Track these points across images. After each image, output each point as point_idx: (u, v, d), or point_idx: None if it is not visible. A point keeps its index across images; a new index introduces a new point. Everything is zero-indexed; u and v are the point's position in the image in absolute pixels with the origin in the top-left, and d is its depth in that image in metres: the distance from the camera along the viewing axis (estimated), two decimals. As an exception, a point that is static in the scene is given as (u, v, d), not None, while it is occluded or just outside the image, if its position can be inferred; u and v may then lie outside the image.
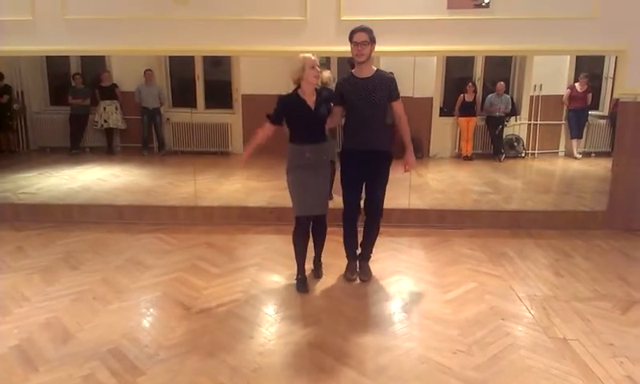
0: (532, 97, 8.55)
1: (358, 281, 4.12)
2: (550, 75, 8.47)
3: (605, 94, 8.63)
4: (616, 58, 5.29)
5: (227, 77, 8.82)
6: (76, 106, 8.47)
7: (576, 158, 8.45)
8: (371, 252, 4.19)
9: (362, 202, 4.09)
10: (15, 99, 8.43)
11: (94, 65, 8.61)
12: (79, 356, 3.04)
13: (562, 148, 8.74)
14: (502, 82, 8.58)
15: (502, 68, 9.00)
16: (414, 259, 4.58)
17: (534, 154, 8.65)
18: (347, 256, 4.21)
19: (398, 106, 3.90)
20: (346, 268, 4.20)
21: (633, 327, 3.41)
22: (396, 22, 4.95)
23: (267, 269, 4.34)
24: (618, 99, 5.34)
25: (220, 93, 8.98)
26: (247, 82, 8.49)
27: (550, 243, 4.94)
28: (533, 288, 3.98)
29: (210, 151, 8.48)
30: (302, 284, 3.94)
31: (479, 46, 5.20)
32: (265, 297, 3.85)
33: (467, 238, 5.04)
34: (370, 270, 4.18)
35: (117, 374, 2.87)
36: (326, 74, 4.36)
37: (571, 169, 8.27)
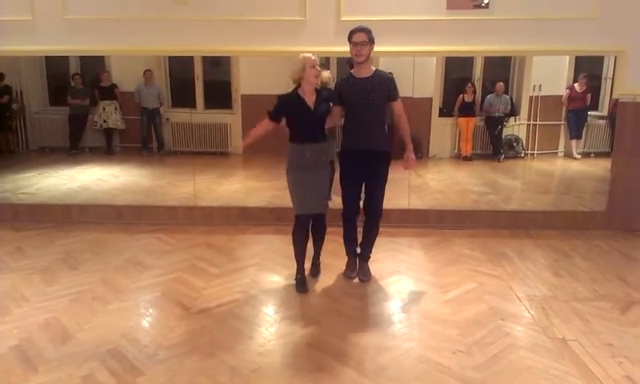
0: (531, 97, 8.55)
1: (357, 280, 4.13)
2: (550, 76, 8.47)
3: (604, 95, 8.65)
4: (615, 58, 5.29)
5: (227, 77, 8.82)
6: (75, 106, 8.47)
7: (575, 159, 8.46)
8: (370, 252, 4.19)
9: (361, 202, 4.10)
10: (15, 99, 8.42)
11: (94, 65, 8.61)
12: (78, 356, 3.04)
13: (561, 148, 8.75)
14: (502, 83, 8.59)
15: (501, 68, 9.01)
16: (414, 259, 4.58)
17: (533, 154, 8.66)
18: (347, 254, 4.23)
19: (397, 106, 3.91)
20: (346, 266, 4.22)
21: (632, 327, 3.41)
22: (395, 22, 4.96)
23: (267, 269, 4.34)
24: (617, 99, 5.34)
25: (219, 93, 8.98)
26: (247, 82, 8.49)
27: (550, 243, 4.94)
28: (532, 288, 3.98)
29: (209, 151, 8.48)
30: (302, 284, 3.94)
31: (478, 46, 5.21)
32: (264, 297, 3.85)
33: (467, 239, 5.04)
34: (369, 270, 4.18)
35: (116, 374, 2.87)
36: (326, 73, 4.37)
37: (570, 169, 8.28)
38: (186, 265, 4.40)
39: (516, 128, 8.71)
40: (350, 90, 3.84)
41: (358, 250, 4.22)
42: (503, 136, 8.67)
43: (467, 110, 8.62)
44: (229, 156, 8.57)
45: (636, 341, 3.24)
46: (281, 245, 4.69)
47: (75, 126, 8.52)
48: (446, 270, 4.33)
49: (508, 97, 8.60)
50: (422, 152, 8.30)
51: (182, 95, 8.85)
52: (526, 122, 8.61)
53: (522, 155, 8.66)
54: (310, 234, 4.01)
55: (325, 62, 7.40)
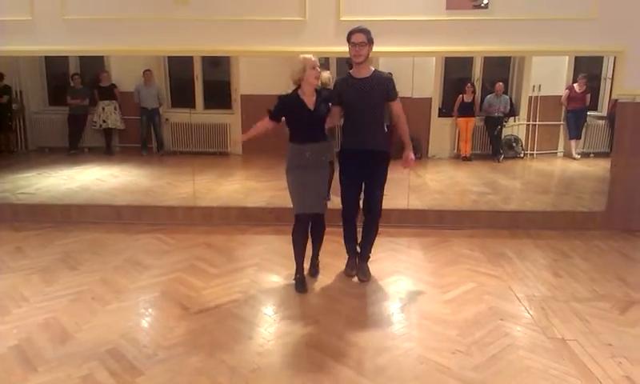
0: (531, 97, 8.55)
1: (357, 280, 4.13)
2: (549, 76, 8.47)
3: (603, 95, 8.64)
4: (614, 58, 5.29)
5: (226, 77, 8.82)
6: (75, 106, 8.46)
7: (575, 159, 8.46)
8: (370, 252, 4.20)
9: (360, 202, 4.11)
10: (14, 99, 8.42)
11: (93, 65, 8.60)
12: (78, 356, 3.03)
13: (560, 148, 8.75)
14: (501, 83, 8.59)
15: (500, 68, 9.00)
16: (413, 259, 4.58)
17: (532, 154, 8.66)
18: (347, 253, 4.25)
19: (396, 106, 3.92)
20: (346, 264, 4.24)
21: (631, 327, 3.41)
22: (395, 22, 4.96)
23: (266, 269, 4.34)
24: (616, 100, 5.34)
25: (219, 93, 8.97)
26: (246, 82, 8.48)
27: (549, 244, 4.95)
28: (531, 288, 3.99)
29: (208, 151, 8.47)
30: (301, 284, 3.94)
31: (478, 46, 5.21)
32: (263, 297, 3.85)
33: (466, 239, 5.04)
34: (368, 270, 4.18)
35: (115, 374, 2.87)
36: (326, 74, 4.37)
37: (570, 169, 8.28)
38: (185, 265, 4.40)
39: (515, 128, 8.71)
40: (349, 90, 3.85)
41: (358, 249, 4.22)
42: (503, 136, 8.67)
43: (467, 110, 8.62)
44: (228, 156, 8.57)
45: (635, 341, 3.24)
46: (280, 245, 4.69)
47: (75, 126, 8.51)
48: (445, 270, 4.33)
49: (507, 97, 8.60)
50: (421, 152, 8.30)
51: (181, 95, 8.83)
52: (526, 122, 8.61)
53: (522, 155, 8.66)
54: (309, 234, 4.01)
55: (324, 63, 7.40)
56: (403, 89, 7.86)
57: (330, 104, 3.87)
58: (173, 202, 5.88)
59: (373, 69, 3.91)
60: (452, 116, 8.74)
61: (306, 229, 3.96)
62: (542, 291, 3.94)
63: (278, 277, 4.18)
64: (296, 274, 4.00)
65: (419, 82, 8.04)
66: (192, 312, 3.59)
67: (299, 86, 3.76)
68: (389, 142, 4.00)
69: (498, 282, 4.10)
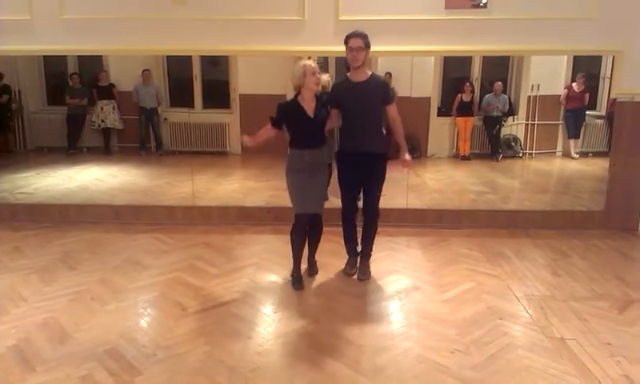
0: (529, 97, 8.55)
1: (356, 278, 4.14)
2: (548, 75, 8.48)
3: (602, 94, 8.65)
4: (613, 58, 5.30)
5: (225, 77, 8.80)
6: (73, 105, 8.44)
7: (573, 158, 8.46)
8: (371, 250, 4.23)
9: (360, 203, 4.14)
10: (13, 99, 8.40)
11: (92, 64, 8.58)
12: (77, 356, 3.03)
13: (559, 148, 8.75)
14: (500, 82, 8.59)
15: (499, 68, 9.00)
16: (412, 259, 4.58)
17: (531, 153, 8.66)
18: (347, 253, 4.27)
19: (392, 110, 3.95)
20: (346, 263, 4.25)
21: (630, 326, 3.42)
22: (394, 21, 4.96)
23: (265, 269, 4.34)
24: (615, 99, 5.34)
25: (218, 93, 8.96)
26: (245, 81, 8.47)
27: (548, 243, 4.95)
28: (530, 288, 3.99)
29: (207, 151, 8.46)
30: (298, 281, 3.98)
31: (477, 46, 5.21)
32: (263, 297, 3.85)
33: (465, 238, 5.05)
34: (369, 269, 4.20)
35: (114, 374, 2.87)
36: (325, 77, 4.39)
37: (568, 169, 8.28)
38: (184, 265, 4.40)
39: (514, 127, 8.72)
40: (347, 93, 3.89)
41: (359, 249, 4.25)
42: (501, 135, 8.67)
43: (465, 110, 8.62)
44: (227, 156, 8.56)
45: (634, 340, 3.25)
46: (279, 245, 4.69)
47: (73, 126, 8.49)
48: (444, 270, 4.33)
49: (506, 96, 8.60)
50: (420, 152, 8.31)
51: (180, 95, 8.82)
52: (524, 121, 8.61)
53: (520, 155, 8.66)
54: (307, 236, 4.05)
55: (323, 63, 7.40)
56: (402, 88, 7.89)
57: (329, 107, 3.90)
58: (172, 202, 5.88)
59: (370, 72, 3.95)
60: (451, 115, 8.73)
61: (305, 229, 3.99)
62: (541, 290, 3.94)
63: (276, 276, 4.18)
64: (293, 273, 4.04)
65: (418, 81, 8.04)
66: (191, 312, 3.59)
67: (299, 92, 3.79)
68: (387, 144, 4.02)
69: (497, 282, 4.10)
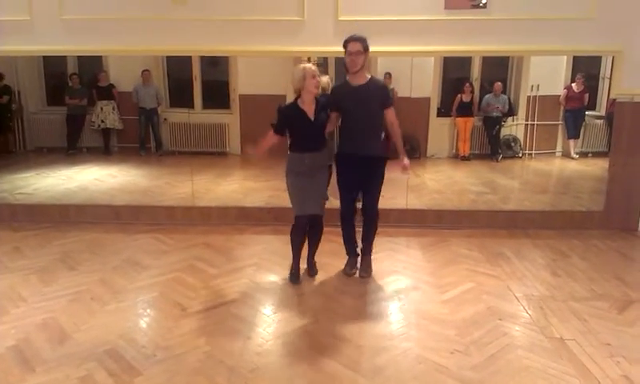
0: (529, 97, 8.56)
1: (357, 276, 4.17)
2: (547, 75, 8.48)
3: (602, 95, 8.67)
4: (613, 58, 5.30)
5: (225, 77, 8.81)
6: (73, 106, 8.45)
7: (573, 158, 8.47)
8: (372, 246, 4.25)
9: (359, 204, 4.17)
10: (13, 99, 8.40)
11: (91, 65, 8.59)
12: (76, 356, 3.03)
13: (559, 148, 8.76)
14: (500, 83, 8.60)
15: (499, 68, 9.01)
16: (412, 259, 4.58)
17: (531, 154, 8.67)
18: (347, 253, 4.28)
19: (390, 114, 3.97)
20: (346, 263, 4.26)
21: (630, 327, 3.42)
22: (393, 22, 4.96)
23: (265, 269, 4.34)
24: (614, 99, 5.34)
25: (217, 93, 8.97)
26: (245, 82, 8.48)
27: (548, 243, 4.95)
28: (530, 288, 3.99)
29: (207, 151, 8.47)
30: (295, 277, 4.05)
31: (476, 46, 5.21)
32: (262, 297, 3.85)
33: (464, 238, 5.05)
34: (370, 266, 4.22)
35: (114, 374, 2.87)
36: (325, 79, 4.40)
37: (568, 169, 8.29)
38: (184, 265, 4.40)
39: (514, 128, 8.72)
40: (346, 97, 3.91)
41: (358, 250, 4.26)
42: (501, 136, 8.68)
43: (465, 110, 8.62)
44: (227, 156, 8.57)
45: (633, 340, 3.24)
46: (279, 245, 4.69)
47: (73, 126, 8.50)
48: (443, 270, 4.33)
49: (506, 97, 8.61)
50: (419, 152, 8.32)
51: (179, 95, 8.82)
52: (524, 121, 8.62)
53: (520, 155, 8.66)
54: (307, 235, 4.07)
55: (323, 63, 7.40)
56: (402, 89, 7.91)
57: (329, 110, 3.91)
58: (171, 202, 5.88)
59: (369, 76, 3.97)
60: (450, 116, 8.74)
61: (304, 230, 4.01)
62: (541, 291, 3.94)
63: (276, 277, 4.18)
64: (292, 269, 4.08)
65: (418, 81, 8.06)
66: (190, 312, 3.59)
67: (299, 95, 3.80)
68: (386, 147, 4.04)
69: (497, 282, 4.10)
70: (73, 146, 8.49)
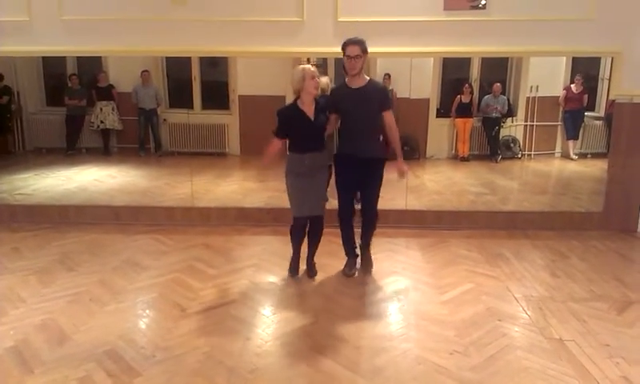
0: (528, 98, 8.56)
1: (359, 268, 4.22)
2: (546, 76, 8.48)
3: (601, 96, 8.66)
4: (612, 59, 5.30)
5: (224, 78, 8.80)
6: (72, 106, 8.44)
7: (572, 159, 8.47)
8: (370, 244, 4.29)
9: (358, 205, 4.19)
10: (13, 100, 8.40)
11: (91, 65, 8.58)
12: (75, 357, 3.03)
13: (558, 149, 8.76)
14: (499, 83, 8.60)
15: (498, 69, 9.01)
16: (411, 260, 4.58)
17: (530, 155, 8.66)
18: (346, 254, 4.28)
19: (388, 117, 3.97)
20: (345, 264, 4.26)
21: (629, 328, 3.42)
22: (392, 23, 4.96)
23: (264, 270, 4.34)
24: (613, 100, 5.35)
25: (217, 94, 8.96)
26: (244, 82, 8.48)
27: (547, 244, 4.95)
28: (529, 289, 3.99)
29: (206, 152, 8.46)
30: (294, 269, 4.15)
31: (476, 47, 5.21)
32: (262, 298, 3.85)
33: (464, 239, 5.05)
34: (371, 261, 4.27)
35: (113, 375, 2.86)
36: (324, 79, 4.41)
37: (567, 170, 8.29)
38: (183, 266, 4.39)
39: (513, 129, 8.72)
40: (345, 99, 3.92)
41: (357, 251, 4.28)
42: (500, 137, 8.67)
43: (464, 111, 8.62)
44: (226, 157, 8.57)
45: (633, 341, 3.25)
46: (278, 246, 4.70)
47: (72, 127, 8.48)
48: (443, 271, 4.33)
49: (505, 97, 8.61)
50: (418, 153, 8.32)
51: (179, 96, 8.82)
52: (523, 122, 8.62)
53: (519, 156, 8.66)
54: (307, 235, 4.08)
55: (322, 64, 7.40)
56: (401, 89, 7.91)
57: (328, 112, 3.93)
58: (171, 203, 5.88)
59: (368, 78, 3.97)
60: (450, 116, 8.73)
61: (304, 229, 4.04)
62: (540, 292, 3.94)
63: (275, 277, 4.18)
64: (291, 262, 4.15)
65: (417, 82, 8.05)
66: (190, 313, 3.58)
67: (298, 96, 3.82)
68: (385, 149, 4.05)
69: (496, 283, 4.10)
70: (72, 147, 8.48)
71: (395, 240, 5.00)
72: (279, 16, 5.08)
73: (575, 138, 8.52)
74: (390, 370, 2.93)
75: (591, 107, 8.66)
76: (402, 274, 4.27)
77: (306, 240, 4.14)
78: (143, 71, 8.35)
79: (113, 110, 8.47)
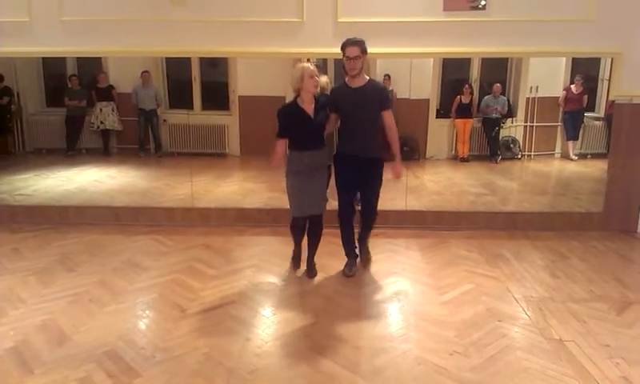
0: (528, 98, 8.55)
1: (359, 264, 4.25)
2: (546, 77, 8.48)
3: (600, 96, 8.65)
4: (612, 60, 5.30)
5: (224, 78, 8.80)
6: (72, 107, 8.43)
7: (572, 160, 8.47)
8: (370, 232, 4.34)
9: (358, 207, 4.21)
10: (13, 100, 8.40)
11: (91, 66, 8.57)
12: (75, 358, 3.03)
13: (557, 149, 8.76)
14: (499, 84, 8.59)
15: (498, 70, 9.00)
16: (411, 261, 4.58)
17: (530, 155, 8.66)
18: (346, 255, 4.28)
19: (388, 117, 3.98)
20: (345, 264, 4.27)
21: (628, 328, 3.42)
22: (392, 23, 4.96)
23: (264, 270, 4.34)
24: (613, 101, 5.35)
25: (217, 94, 8.96)
26: (244, 83, 8.47)
27: (547, 244, 4.95)
28: (529, 289, 3.99)
29: (206, 153, 8.46)
30: (297, 260, 4.28)
31: (475, 47, 5.21)
32: (261, 298, 3.85)
33: (464, 240, 5.05)
34: (369, 251, 4.33)
35: (113, 375, 2.87)
36: (324, 79, 4.42)
37: (567, 170, 8.29)
38: (183, 266, 4.39)
39: (513, 129, 8.72)
40: (345, 98, 3.93)
41: (357, 251, 4.29)
42: (500, 137, 8.67)
43: (464, 112, 8.62)
44: (226, 157, 8.56)
45: (633, 342, 3.25)
46: (278, 246, 4.70)
47: (72, 128, 8.48)
48: (443, 272, 4.33)
49: (505, 98, 8.60)
50: (418, 153, 8.32)
51: (179, 96, 8.82)
52: (523, 123, 8.61)
53: (519, 156, 8.66)
54: (306, 235, 4.10)
55: (322, 65, 7.40)
56: (401, 90, 7.91)
57: (328, 110, 3.92)
58: (171, 204, 5.88)
59: (367, 78, 3.98)
60: (450, 117, 8.73)
61: (303, 228, 4.08)
62: (540, 292, 3.94)
63: (275, 278, 4.18)
64: (293, 254, 4.23)
65: (417, 83, 8.04)
66: (190, 313, 3.59)
67: (298, 95, 3.83)
68: (385, 149, 4.05)
69: (496, 283, 4.10)
70: (72, 148, 8.47)
71: (395, 240, 5.00)
72: (279, 16, 5.08)
73: (575, 138, 8.51)
74: (390, 371, 2.93)
75: (591, 108, 8.65)
76: (401, 275, 4.27)
77: (306, 240, 4.14)
78: (143, 72, 8.35)
79: (113, 110, 8.46)
